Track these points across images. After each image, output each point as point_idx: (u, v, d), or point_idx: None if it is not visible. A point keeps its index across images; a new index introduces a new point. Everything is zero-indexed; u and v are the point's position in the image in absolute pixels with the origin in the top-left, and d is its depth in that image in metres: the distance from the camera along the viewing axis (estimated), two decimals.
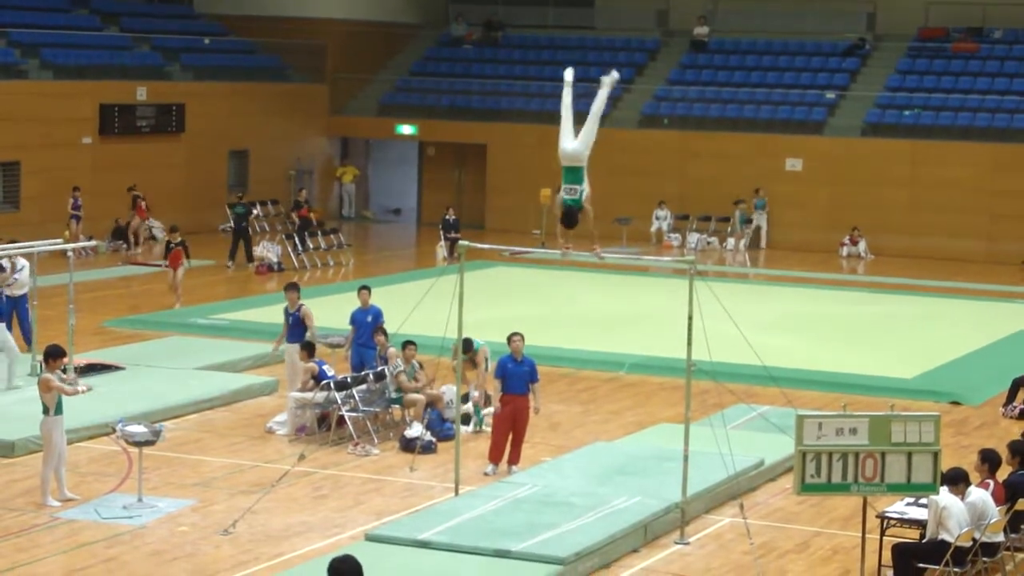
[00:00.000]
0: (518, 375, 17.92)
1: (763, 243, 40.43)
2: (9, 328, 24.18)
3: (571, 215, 15.54)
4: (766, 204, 40.23)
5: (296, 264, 34.81)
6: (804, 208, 40.06)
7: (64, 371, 17.88)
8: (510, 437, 18.04)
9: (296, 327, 20.72)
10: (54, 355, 16.46)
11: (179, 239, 28.76)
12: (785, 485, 17.60)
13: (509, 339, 18.16)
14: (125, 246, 36.57)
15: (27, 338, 22.88)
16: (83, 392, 16.84)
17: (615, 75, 16.31)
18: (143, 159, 38.49)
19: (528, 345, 18.35)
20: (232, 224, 35.87)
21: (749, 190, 40.09)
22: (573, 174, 15.61)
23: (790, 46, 44.18)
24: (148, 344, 24.81)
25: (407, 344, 20.12)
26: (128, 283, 32.31)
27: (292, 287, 21.21)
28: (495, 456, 18.07)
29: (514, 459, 18.11)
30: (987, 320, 29.82)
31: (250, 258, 34.95)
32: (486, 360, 20.44)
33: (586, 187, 15.60)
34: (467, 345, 19.53)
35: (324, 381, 19.28)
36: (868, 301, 31.94)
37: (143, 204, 36.80)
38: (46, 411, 16.18)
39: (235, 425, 20.16)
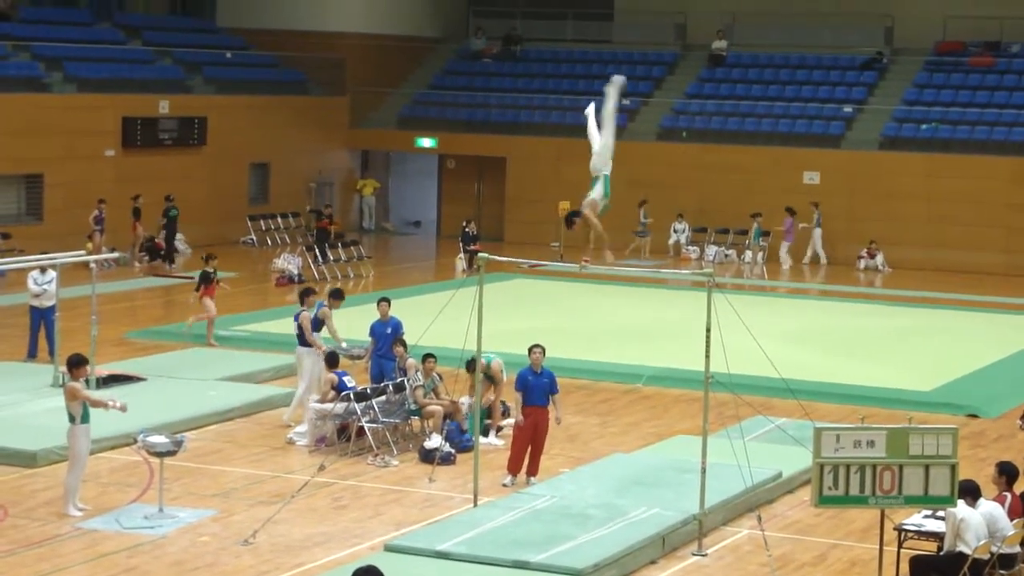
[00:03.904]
0: (538, 387, 18.00)
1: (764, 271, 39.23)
2: (35, 338, 24.38)
3: (568, 220, 16.46)
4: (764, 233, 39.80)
5: (316, 275, 34.91)
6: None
7: (87, 383, 17.98)
8: (529, 449, 18.15)
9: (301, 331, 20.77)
10: (77, 364, 16.43)
11: (214, 268, 26.60)
12: (803, 497, 17.63)
13: (529, 351, 18.24)
14: (147, 258, 36.65)
15: (51, 349, 23.04)
16: (112, 406, 16.28)
17: (622, 78, 16.73)
18: (165, 172, 38.64)
19: (547, 357, 18.42)
20: (164, 228, 36.21)
21: (767, 203, 40.01)
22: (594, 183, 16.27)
23: (808, 60, 44.21)
24: (169, 355, 24.94)
25: (427, 357, 20.21)
26: (151, 295, 32.48)
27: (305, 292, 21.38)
28: (514, 467, 18.15)
29: (532, 470, 18.19)
30: (1004, 333, 29.80)
31: (171, 261, 35.77)
32: (501, 372, 20.50)
33: (592, 193, 15.93)
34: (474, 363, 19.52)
35: (344, 392, 19.40)
36: (886, 314, 31.94)
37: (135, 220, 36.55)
38: (72, 419, 16.22)
39: (255, 436, 20.27)
